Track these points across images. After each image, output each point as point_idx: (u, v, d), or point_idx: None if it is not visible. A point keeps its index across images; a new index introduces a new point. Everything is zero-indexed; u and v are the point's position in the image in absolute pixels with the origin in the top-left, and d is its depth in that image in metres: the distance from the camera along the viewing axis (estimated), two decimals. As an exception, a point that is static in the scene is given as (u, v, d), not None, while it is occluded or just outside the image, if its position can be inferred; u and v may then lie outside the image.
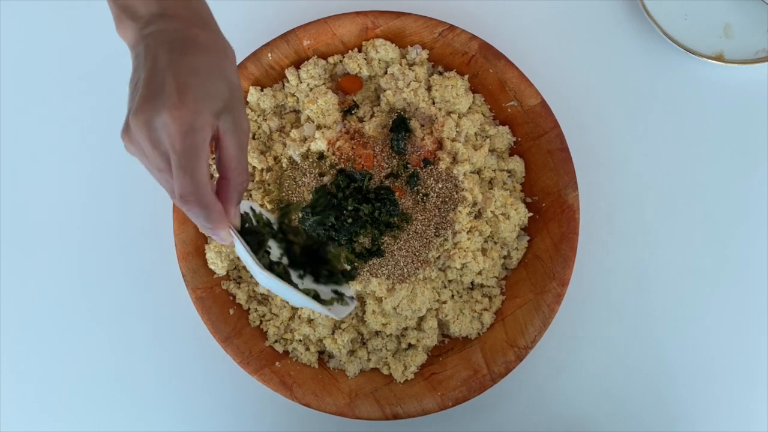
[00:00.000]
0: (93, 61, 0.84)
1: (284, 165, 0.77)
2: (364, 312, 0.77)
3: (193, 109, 0.47)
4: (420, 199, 0.75)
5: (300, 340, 0.78)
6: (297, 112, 0.79)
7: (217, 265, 0.77)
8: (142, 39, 0.50)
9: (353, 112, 0.78)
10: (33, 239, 0.83)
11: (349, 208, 0.73)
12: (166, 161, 0.49)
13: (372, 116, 0.78)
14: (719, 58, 0.79)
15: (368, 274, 0.74)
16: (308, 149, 0.76)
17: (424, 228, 0.74)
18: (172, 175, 0.49)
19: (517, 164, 0.79)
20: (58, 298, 0.82)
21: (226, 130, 0.51)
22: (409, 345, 0.78)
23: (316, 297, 0.59)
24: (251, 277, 0.79)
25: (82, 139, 0.84)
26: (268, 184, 0.77)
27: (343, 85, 0.79)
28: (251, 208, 0.60)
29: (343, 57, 0.79)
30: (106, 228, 0.83)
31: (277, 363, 0.77)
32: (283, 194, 0.76)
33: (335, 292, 0.63)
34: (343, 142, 0.75)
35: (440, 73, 0.79)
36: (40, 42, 0.85)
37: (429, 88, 0.77)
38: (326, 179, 0.75)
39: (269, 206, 0.75)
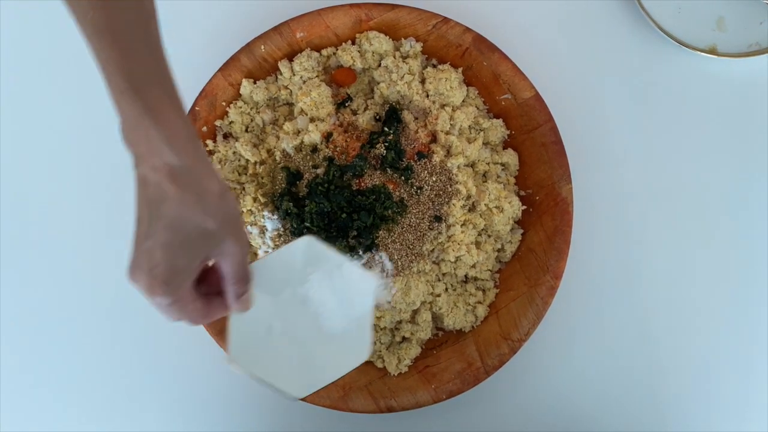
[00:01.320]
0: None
1: (277, 158, 0.76)
2: (358, 305, 0.77)
3: (162, 292, 0.52)
4: (414, 192, 0.74)
5: (294, 334, 0.78)
6: (290, 104, 0.79)
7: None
8: (135, 170, 0.53)
9: (347, 104, 0.78)
10: (29, 235, 0.83)
11: (343, 202, 0.73)
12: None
13: (366, 109, 0.78)
14: (712, 51, 0.79)
15: (362, 267, 0.74)
16: (302, 142, 0.75)
17: (418, 221, 0.74)
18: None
19: (510, 157, 0.79)
20: (53, 294, 0.82)
21: (218, 261, 0.55)
22: (403, 338, 0.78)
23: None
24: None
25: (78, 136, 0.83)
26: (262, 177, 0.76)
27: (337, 78, 0.78)
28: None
29: (337, 49, 0.79)
30: (101, 224, 0.82)
31: (270, 356, 0.77)
32: (276, 187, 0.76)
33: None
34: (336, 135, 0.75)
35: (434, 66, 0.79)
36: (40, 42, 0.84)
37: (423, 81, 0.77)
38: (320, 171, 0.75)
39: (263, 199, 0.75)
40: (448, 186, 0.74)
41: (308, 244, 0.60)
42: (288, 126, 0.76)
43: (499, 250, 0.79)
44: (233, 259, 0.55)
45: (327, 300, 0.61)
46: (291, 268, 0.61)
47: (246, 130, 0.79)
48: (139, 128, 0.51)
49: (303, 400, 0.75)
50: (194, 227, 0.52)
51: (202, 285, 0.56)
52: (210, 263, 0.56)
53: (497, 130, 0.78)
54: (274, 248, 0.75)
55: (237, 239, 0.55)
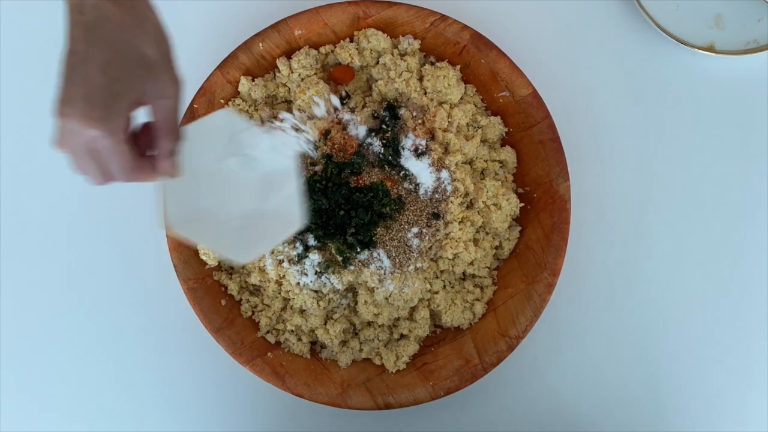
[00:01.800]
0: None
1: (276, 155, 0.76)
2: (356, 302, 0.77)
3: (99, 117, 0.49)
4: (412, 190, 0.75)
5: (292, 331, 0.78)
6: (288, 102, 0.79)
7: (209, 255, 0.77)
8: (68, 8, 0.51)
9: (344, 102, 0.78)
10: (28, 235, 0.83)
11: (341, 199, 0.73)
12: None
13: (364, 106, 0.78)
14: (710, 48, 0.79)
15: (360, 264, 0.74)
16: (300, 139, 0.76)
17: (415, 218, 0.74)
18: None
19: (508, 154, 0.79)
20: (49, 291, 0.82)
21: (150, 101, 0.53)
22: (401, 335, 0.78)
23: None
24: (243, 267, 0.79)
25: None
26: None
27: (335, 75, 0.79)
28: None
29: (335, 47, 0.79)
30: (96, 220, 0.82)
31: (269, 353, 0.77)
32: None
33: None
34: (334, 132, 0.75)
35: (432, 64, 0.79)
36: (40, 42, 0.84)
37: (421, 79, 0.77)
38: (318, 169, 0.75)
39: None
40: (446, 183, 0.74)
41: (226, 116, 0.61)
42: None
43: (496, 248, 0.79)
44: (168, 104, 0.53)
45: (253, 171, 0.62)
46: (214, 140, 0.61)
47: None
48: None
49: (299, 396, 0.76)
50: (134, 52, 0.50)
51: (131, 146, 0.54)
52: (141, 110, 0.54)
53: (495, 127, 0.78)
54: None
55: (173, 77, 0.53)
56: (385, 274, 0.74)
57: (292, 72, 0.78)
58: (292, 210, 0.64)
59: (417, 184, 0.74)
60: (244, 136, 0.62)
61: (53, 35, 0.83)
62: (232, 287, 0.78)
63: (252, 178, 0.63)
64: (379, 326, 0.78)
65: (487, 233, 0.78)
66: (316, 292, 0.76)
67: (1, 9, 0.84)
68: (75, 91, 0.49)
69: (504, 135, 0.79)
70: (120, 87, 0.50)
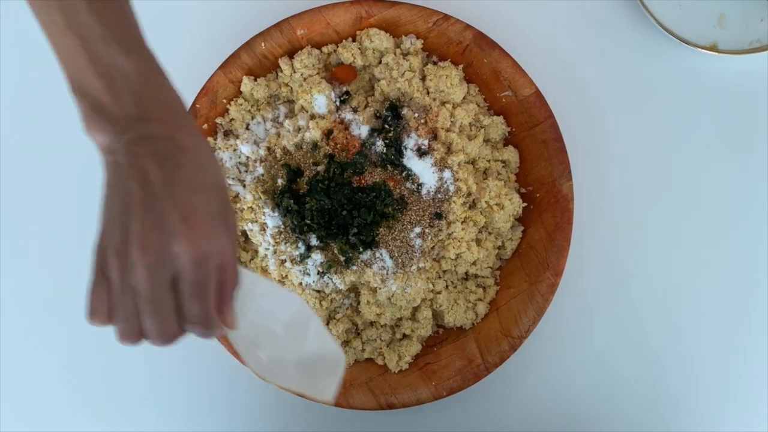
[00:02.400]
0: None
1: (278, 155, 0.76)
2: (358, 302, 0.77)
3: (202, 235, 0.44)
4: (414, 190, 0.74)
5: (294, 331, 0.78)
6: (291, 101, 0.79)
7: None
8: (122, 147, 0.45)
9: (346, 101, 0.78)
10: (28, 235, 0.83)
11: (343, 199, 0.73)
12: (166, 290, 0.45)
13: (366, 106, 0.78)
14: (713, 48, 0.79)
15: (362, 264, 0.74)
16: (302, 139, 0.75)
17: (418, 218, 0.74)
18: (178, 302, 0.46)
19: (511, 154, 0.79)
20: (47, 292, 0.82)
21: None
22: (404, 335, 0.78)
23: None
24: (245, 267, 0.78)
25: (66, 132, 0.83)
26: (262, 175, 0.76)
27: (338, 75, 0.78)
28: None
29: (337, 47, 0.79)
30: (92, 220, 0.82)
31: (271, 353, 0.77)
32: (277, 185, 0.76)
33: None
34: (337, 132, 0.75)
35: (435, 63, 0.79)
36: (40, 42, 0.84)
37: (423, 78, 0.77)
38: (320, 168, 0.75)
39: (263, 196, 0.75)
40: (449, 183, 0.74)
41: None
42: (288, 123, 0.76)
43: (499, 248, 0.79)
44: (233, 241, 0.49)
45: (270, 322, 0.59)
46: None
47: (247, 128, 0.79)
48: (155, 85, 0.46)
49: (301, 396, 0.75)
50: (213, 181, 0.46)
51: None
52: None
53: (498, 127, 0.78)
54: (274, 245, 0.75)
55: (234, 214, 0.49)
56: (387, 274, 0.74)
57: (295, 72, 0.78)
58: (331, 347, 0.60)
59: (419, 184, 0.74)
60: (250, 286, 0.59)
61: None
62: (235, 287, 0.78)
63: (274, 328, 0.60)
64: (382, 326, 0.78)
65: (490, 233, 0.78)
66: (318, 292, 0.76)
67: (1, 9, 0.84)
68: (167, 212, 0.44)
69: (507, 135, 0.79)
70: (212, 205, 0.46)
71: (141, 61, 0.47)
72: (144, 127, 0.45)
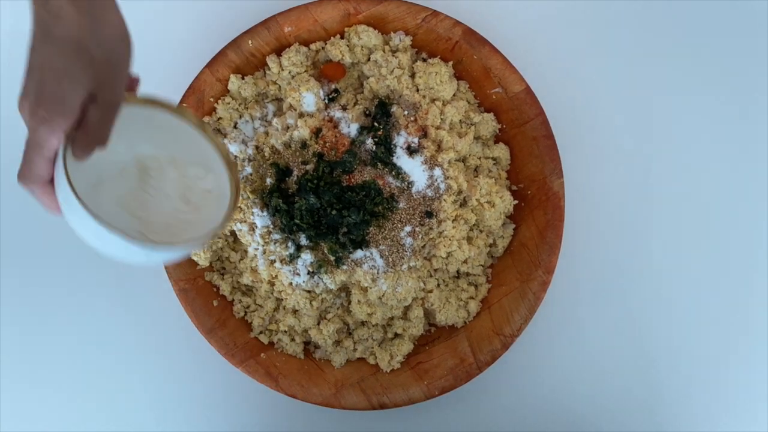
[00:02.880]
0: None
1: (266, 154, 0.76)
2: (349, 302, 0.76)
3: (42, 117, 0.50)
4: (405, 188, 0.74)
5: (285, 331, 0.77)
6: (279, 100, 0.78)
7: (200, 256, 0.76)
8: None
9: (334, 98, 0.77)
10: (16, 235, 0.82)
11: (332, 198, 0.73)
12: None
13: (355, 104, 0.77)
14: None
15: (353, 264, 0.73)
16: (291, 138, 0.75)
17: (408, 217, 0.74)
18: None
19: (502, 151, 0.78)
20: (40, 294, 0.81)
21: (97, 100, 0.52)
22: (395, 334, 0.78)
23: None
24: (234, 267, 0.78)
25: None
26: (251, 174, 0.76)
27: (326, 72, 0.78)
28: None
29: (326, 44, 0.78)
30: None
31: (262, 354, 0.77)
32: (266, 184, 0.75)
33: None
34: (326, 131, 0.74)
35: (424, 60, 0.78)
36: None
37: (413, 75, 0.77)
38: (309, 167, 0.74)
39: (252, 196, 0.75)
40: (439, 181, 0.74)
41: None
42: (277, 122, 0.76)
43: (490, 246, 0.78)
44: (105, 107, 0.53)
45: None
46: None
47: (234, 127, 0.78)
48: None
49: (293, 396, 0.75)
50: (84, 54, 0.51)
51: None
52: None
53: (488, 124, 0.78)
54: (263, 245, 0.74)
55: (113, 90, 0.53)
56: (378, 273, 0.73)
57: (283, 69, 0.77)
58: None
59: (410, 183, 0.74)
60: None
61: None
62: (224, 288, 0.78)
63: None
64: (373, 326, 0.77)
65: (481, 231, 0.77)
66: (308, 292, 0.75)
67: (1, 9, 0.83)
68: (29, 86, 0.51)
69: (497, 132, 0.79)
70: (63, 89, 0.51)
71: None
72: None
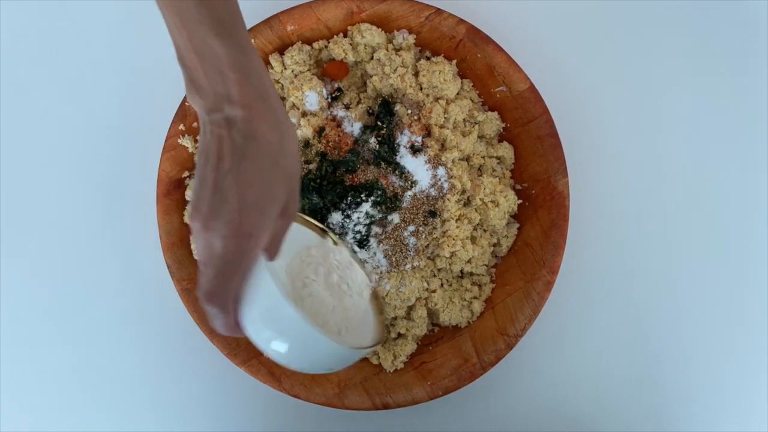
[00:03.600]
0: (84, 59, 0.82)
1: (269, 153, 0.75)
2: (352, 302, 0.76)
3: (249, 223, 0.50)
4: (408, 187, 0.74)
5: (288, 331, 0.77)
6: (282, 99, 0.78)
7: (203, 256, 0.76)
8: (208, 125, 0.52)
9: (337, 97, 0.77)
10: (19, 233, 0.82)
11: (336, 198, 0.73)
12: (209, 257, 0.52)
13: (358, 102, 0.77)
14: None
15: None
16: (294, 137, 0.75)
17: (412, 216, 0.73)
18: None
19: (506, 151, 0.78)
20: (42, 293, 0.81)
21: (278, 221, 0.54)
22: (399, 334, 0.77)
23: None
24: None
25: (65, 132, 0.82)
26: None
27: (329, 71, 0.77)
28: None
29: (329, 42, 0.78)
30: (89, 220, 0.82)
31: (265, 354, 0.76)
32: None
33: None
34: (329, 130, 0.74)
35: (428, 58, 0.78)
36: (40, 42, 0.83)
37: (416, 74, 0.76)
38: (312, 167, 0.74)
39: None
40: (443, 180, 0.73)
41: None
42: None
43: (494, 245, 0.78)
44: (289, 224, 0.55)
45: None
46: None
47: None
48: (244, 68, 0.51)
49: (296, 396, 0.75)
50: (278, 173, 0.51)
51: None
52: None
53: (492, 123, 0.77)
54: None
55: (297, 202, 0.55)
56: (381, 273, 0.73)
57: (285, 68, 0.77)
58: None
59: (413, 182, 0.73)
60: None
61: (53, 35, 0.82)
62: (227, 287, 0.77)
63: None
64: (377, 325, 0.77)
65: (485, 230, 0.77)
66: (311, 291, 0.75)
67: (1, 9, 0.83)
68: (222, 203, 0.50)
69: (501, 131, 0.78)
70: (267, 206, 0.51)
71: (231, 43, 0.51)
72: (228, 108, 0.51)
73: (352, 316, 0.63)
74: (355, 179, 0.73)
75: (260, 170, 0.51)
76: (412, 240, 0.73)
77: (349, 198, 0.72)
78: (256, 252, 0.51)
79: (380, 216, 0.73)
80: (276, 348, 0.54)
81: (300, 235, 0.64)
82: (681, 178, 0.80)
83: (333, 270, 0.63)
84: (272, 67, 0.77)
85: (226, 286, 0.51)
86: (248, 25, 0.76)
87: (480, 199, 0.75)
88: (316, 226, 0.68)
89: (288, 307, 0.52)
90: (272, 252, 0.55)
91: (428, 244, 0.75)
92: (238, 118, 0.51)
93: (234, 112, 0.51)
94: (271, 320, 0.53)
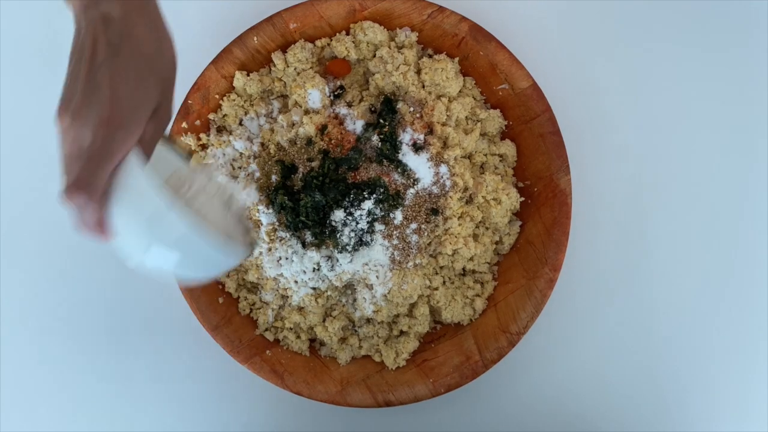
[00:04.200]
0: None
1: (272, 151, 0.75)
2: (355, 299, 0.76)
3: (119, 124, 0.50)
4: (410, 185, 0.74)
5: (290, 328, 0.77)
6: (284, 96, 0.78)
7: (206, 253, 0.76)
8: (84, 23, 0.51)
9: (340, 95, 0.77)
10: (20, 234, 0.82)
11: (339, 196, 0.73)
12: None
13: (361, 100, 0.77)
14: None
15: (359, 261, 0.73)
16: (296, 134, 0.75)
17: (414, 214, 0.73)
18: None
19: (508, 148, 0.78)
20: (45, 292, 0.82)
21: (150, 124, 0.53)
22: (401, 332, 0.77)
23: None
24: (239, 265, 0.78)
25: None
26: (256, 171, 0.75)
27: (331, 69, 0.77)
28: None
29: (331, 40, 0.78)
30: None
31: (267, 351, 0.76)
32: (272, 180, 0.75)
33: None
34: (331, 127, 0.74)
35: (430, 56, 0.78)
36: (39, 40, 0.83)
37: (419, 72, 0.76)
38: (314, 164, 0.74)
39: (258, 193, 0.74)
40: (445, 178, 0.73)
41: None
42: (282, 118, 0.75)
43: (497, 243, 0.78)
44: (157, 127, 0.53)
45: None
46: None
47: (240, 124, 0.78)
48: None
49: (299, 394, 0.75)
50: (151, 73, 0.52)
51: None
52: None
53: (494, 120, 0.77)
54: (269, 242, 0.74)
55: (169, 108, 0.54)
56: (384, 270, 0.73)
57: (288, 66, 0.77)
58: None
59: (415, 180, 0.73)
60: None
61: (52, 35, 0.82)
62: (230, 285, 0.77)
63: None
64: (379, 323, 0.77)
65: (487, 228, 0.77)
66: (314, 289, 0.75)
67: (1, 9, 0.83)
68: (91, 98, 0.50)
69: (503, 128, 0.78)
70: (139, 101, 0.51)
71: None
72: (105, 4, 0.51)
73: (224, 228, 0.62)
74: (358, 177, 0.73)
75: (134, 69, 0.51)
76: (415, 238, 0.73)
77: (352, 196, 0.72)
78: (127, 145, 0.51)
79: (382, 214, 0.73)
80: (157, 255, 0.54)
81: (171, 158, 0.63)
82: (684, 176, 0.80)
83: (204, 187, 0.63)
84: (275, 65, 0.77)
85: (95, 176, 0.50)
86: (251, 23, 0.76)
87: (482, 196, 0.75)
88: (184, 150, 0.67)
89: (172, 213, 0.51)
90: (146, 151, 0.54)
91: (430, 242, 0.75)
92: (114, 15, 0.50)
93: (111, 9, 0.50)
94: (151, 227, 0.52)
